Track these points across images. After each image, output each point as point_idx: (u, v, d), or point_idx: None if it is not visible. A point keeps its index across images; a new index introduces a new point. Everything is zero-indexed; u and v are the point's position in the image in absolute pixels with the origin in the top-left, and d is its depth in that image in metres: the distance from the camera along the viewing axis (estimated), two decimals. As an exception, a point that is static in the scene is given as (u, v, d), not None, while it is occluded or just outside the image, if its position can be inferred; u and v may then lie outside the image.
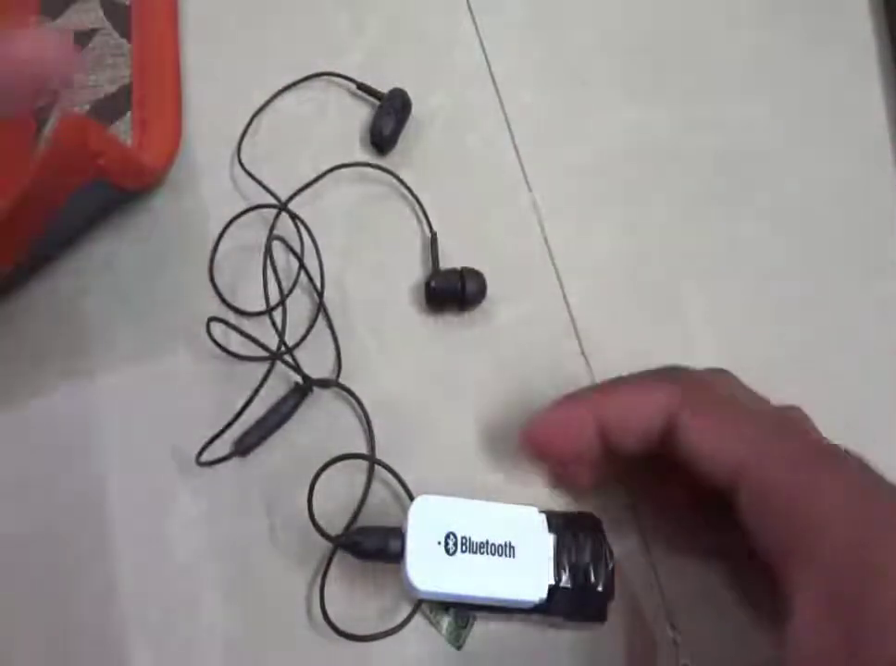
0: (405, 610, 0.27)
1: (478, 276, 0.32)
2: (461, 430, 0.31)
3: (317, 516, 0.27)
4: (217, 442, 0.29)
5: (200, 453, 0.29)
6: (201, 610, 0.28)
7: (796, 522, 0.22)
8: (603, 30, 0.38)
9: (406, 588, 0.25)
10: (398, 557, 0.25)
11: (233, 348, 0.31)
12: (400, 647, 0.27)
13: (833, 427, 0.25)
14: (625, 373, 0.27)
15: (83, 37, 0.37)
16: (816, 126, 0.37)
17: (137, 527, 0.29)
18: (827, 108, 0.37)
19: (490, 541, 0.25)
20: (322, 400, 0.31)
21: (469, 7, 0.39)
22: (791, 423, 0.25)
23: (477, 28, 0.38)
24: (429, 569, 0.25)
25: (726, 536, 0.25)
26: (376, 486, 0.30)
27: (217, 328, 0.31)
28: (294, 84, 0.37)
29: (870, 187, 0.36)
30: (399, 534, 0.25)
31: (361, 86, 0.36)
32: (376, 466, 0.29)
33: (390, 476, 0.29)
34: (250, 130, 0.36)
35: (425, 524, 0.25)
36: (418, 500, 0.26)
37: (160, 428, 0.31)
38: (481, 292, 0.32)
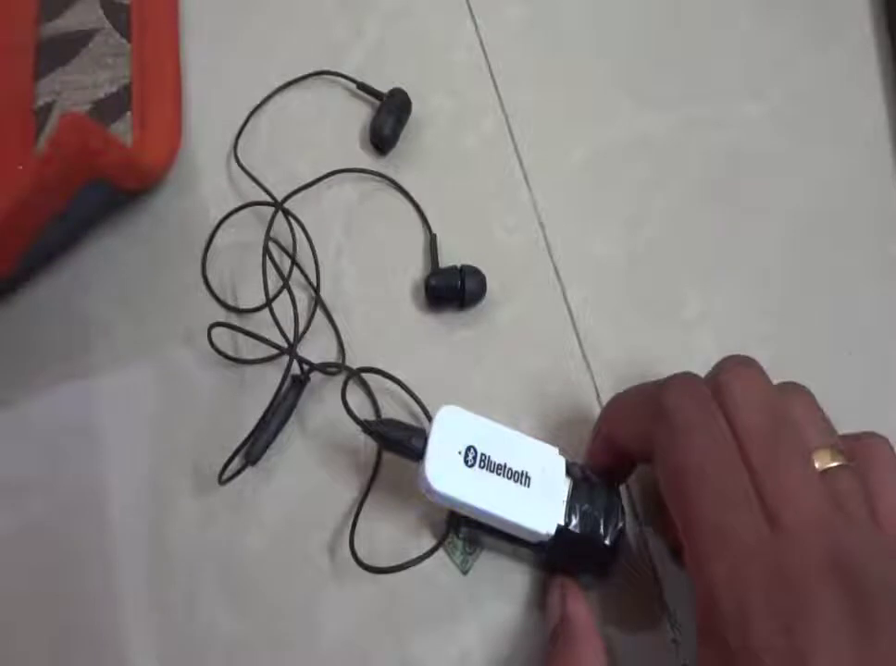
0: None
1: (477, 273, 0.32)
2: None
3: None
4: (221, 448, 0.29)
5: (221, 473, 0.29)
6: (201, 610, 0.28)
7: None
8: (602, 30, 0.38)
9: (422, 488, 0.25)
10: (418, 455, 0.25)
11: (234, 347, 0.31)
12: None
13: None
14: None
15: (83, 37, 0.37)
16: (816, 126, 0.37)
17: (137, 527, 0.29)
18: (827, 108, 0.37)
19: (508, 465, 0.25)
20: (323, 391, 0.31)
21: (469, 7, 0.39)
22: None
23: (477, 28, 0.38)
24: (446, 472, 0.25)
25: None
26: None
27: (218, 329, 0.31)
28: (294, 82, 0.37)
29: (870, 186, 0.36)
30: (423, 434, 0.26)
31: (361, 86, 0.36)
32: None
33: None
34: (253, 131, 0.36)
35: (449, 431, 0.25)
36: (446, 408, 0.26)
37: (160, 428, 0.31)
38: (481, 290, 0.32)
